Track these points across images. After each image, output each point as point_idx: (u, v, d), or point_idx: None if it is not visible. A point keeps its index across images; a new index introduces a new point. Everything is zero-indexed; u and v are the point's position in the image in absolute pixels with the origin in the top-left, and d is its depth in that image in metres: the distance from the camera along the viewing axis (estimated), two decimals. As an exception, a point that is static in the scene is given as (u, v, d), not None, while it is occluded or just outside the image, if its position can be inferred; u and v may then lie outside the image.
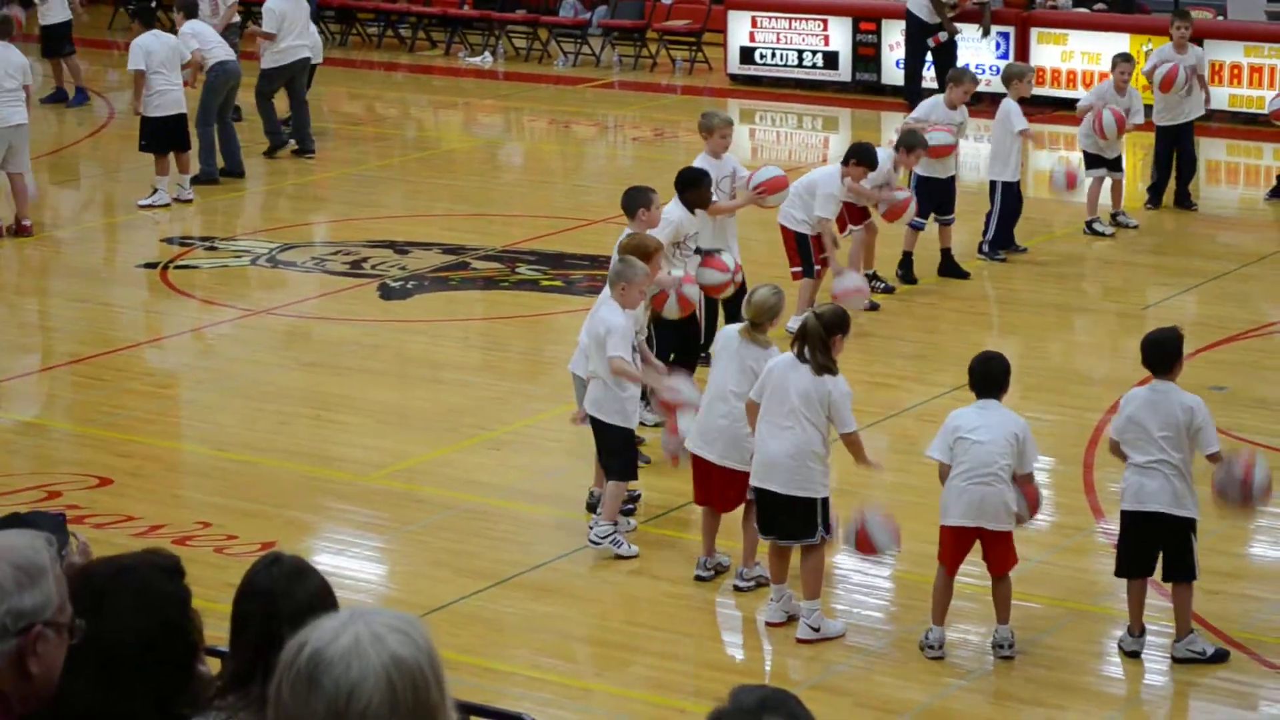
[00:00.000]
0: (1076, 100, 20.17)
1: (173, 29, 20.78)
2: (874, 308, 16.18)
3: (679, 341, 13.48)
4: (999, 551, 10.09)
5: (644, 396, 12.65)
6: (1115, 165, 18.78)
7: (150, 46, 20.14)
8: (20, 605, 3.86)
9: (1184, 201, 19.76)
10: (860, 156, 15.65)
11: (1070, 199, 17.96)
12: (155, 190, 20.21)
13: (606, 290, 11.65)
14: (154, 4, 23.06)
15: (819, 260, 15.42)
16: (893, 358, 15.22)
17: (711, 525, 11.10)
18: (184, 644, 4.37)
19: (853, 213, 16.41)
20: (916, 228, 17.03)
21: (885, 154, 16.24)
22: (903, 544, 10.46)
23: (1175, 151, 19.69)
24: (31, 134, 19.32)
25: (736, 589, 10.96)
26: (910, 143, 16.30)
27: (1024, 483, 10.07)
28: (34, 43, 26.39)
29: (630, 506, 12.00)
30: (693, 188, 13.75)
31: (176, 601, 4.41)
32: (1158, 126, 19.67)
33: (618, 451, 11.45)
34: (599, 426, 11.47)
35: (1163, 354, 10.11)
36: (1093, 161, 18.76)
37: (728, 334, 11.13)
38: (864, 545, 10.34)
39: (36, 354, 15.93)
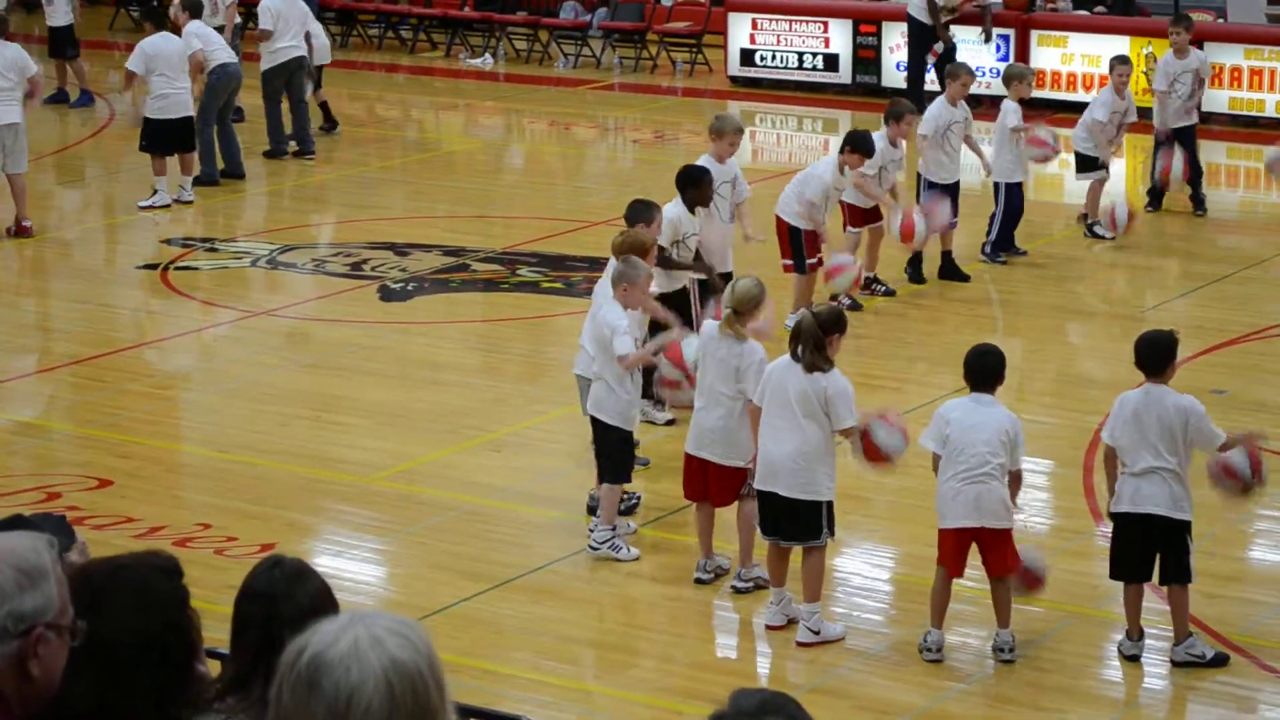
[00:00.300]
0: (1076, 103, 20.17)
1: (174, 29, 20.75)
2: (856, 307, 16.01)
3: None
4: (998, 552, 10.08)
5: (649, 394, 12.68)
6: (1107, 166, 18.79)
7: (158, 49, 20.10)
8: (21, 608, 3.86)
9: (1197, 205, 19.66)
10: (855, 144, 15.56)
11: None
12: (155, 191, 20.21)
13: (600, 289, 11.67)
14: (156, 4, 23.06)
15: (811, 254, 15.43)
16: (893, 360, 15.23)
17: (707, 524, 11.10)
18: (183, 644, 4.36)
19: (854, 215, 16.41)
20: None
21: (879, 134, 16.27)
22: (907, 454, 10.40)
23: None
24: (33, 135, 19.32)
25: (735, 590, 10.96)
26: (897, 112, 16.35)
27: (1012, 480, 10.06)
28: (36, 43, 26.39)
29: (631, 505, 12.02)
30: (693, 186, 13.75)
31: (175, 601, 4.40)
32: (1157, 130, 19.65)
33: (613, 453, 11.46)
34: (599, 427, 11.49)
35: (1156, 355, 10.11)
36: (1089, 164, 18.76)
37: (707, 332, 11.08)
38: (873, 454, 10.30)
39: (37, 355, 15.93)
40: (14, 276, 18.33)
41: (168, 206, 20.11)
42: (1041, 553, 10.49)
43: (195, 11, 21.23)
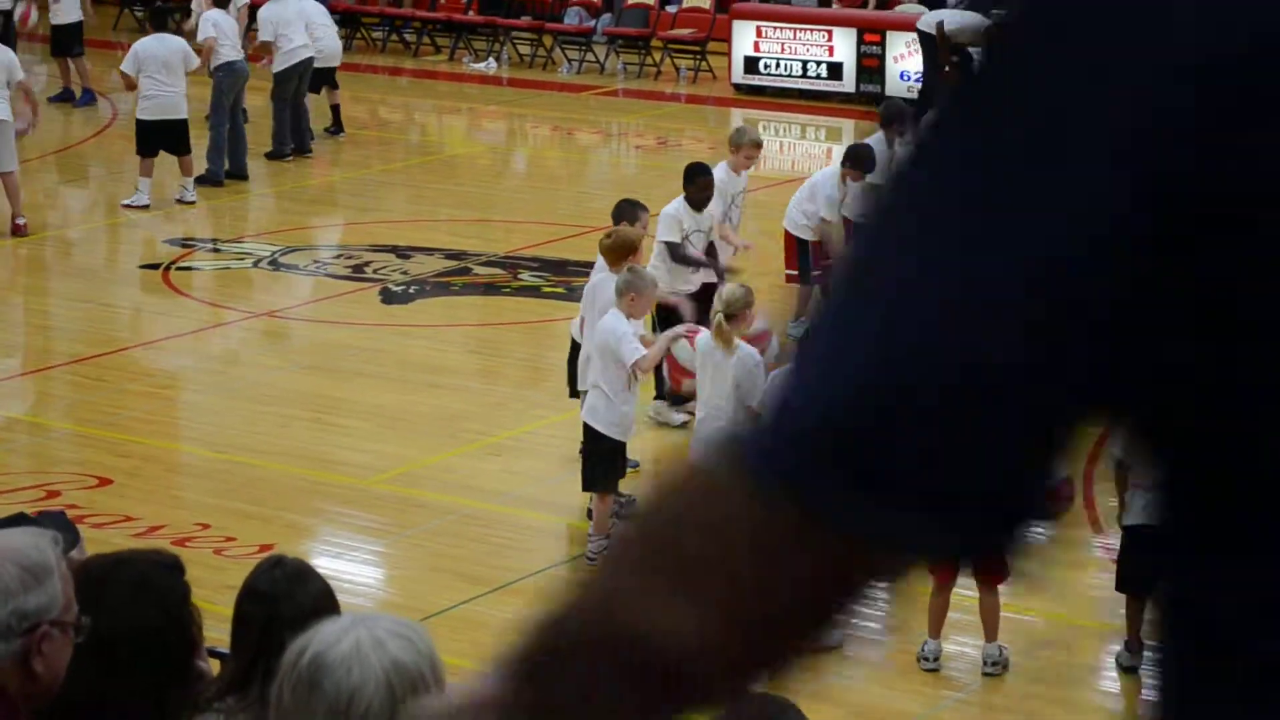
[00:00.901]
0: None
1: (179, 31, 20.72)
2: None
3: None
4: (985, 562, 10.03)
5: (663, 395, 12.68)
6: None
7: (148, 50, 20.00)
8: (25, 605, 3.86)
9: None
10: (854, 161, 15.48)
11: None
12: (137, 190, 20.07)
13: (591, 292, 11.70)
14: (158, 4, 23.06)
15: (819, 266, 15.43)
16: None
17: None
18: (183, 639, 4.37)
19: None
20: None
21: (877, 138, 16.27)
22: None
23: None
24: (36, 133, 19.28)
25: None
26: (900, 115, 16.34)
27: None
28: (39, 42, 26.41)
29: (629, 510, 12.00)
30: (688, 182, 13.80)
31: (175, 596, 4.40)
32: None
33: (603, 461, 11.43)
34: (590, 434, 11.45)
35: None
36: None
37: (703, 344, 11.08)
38: None
39: (36, 353, 15.94)
40: (13, 275, 18.33)
41: (146, 207, 19.94)
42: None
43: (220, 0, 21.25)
